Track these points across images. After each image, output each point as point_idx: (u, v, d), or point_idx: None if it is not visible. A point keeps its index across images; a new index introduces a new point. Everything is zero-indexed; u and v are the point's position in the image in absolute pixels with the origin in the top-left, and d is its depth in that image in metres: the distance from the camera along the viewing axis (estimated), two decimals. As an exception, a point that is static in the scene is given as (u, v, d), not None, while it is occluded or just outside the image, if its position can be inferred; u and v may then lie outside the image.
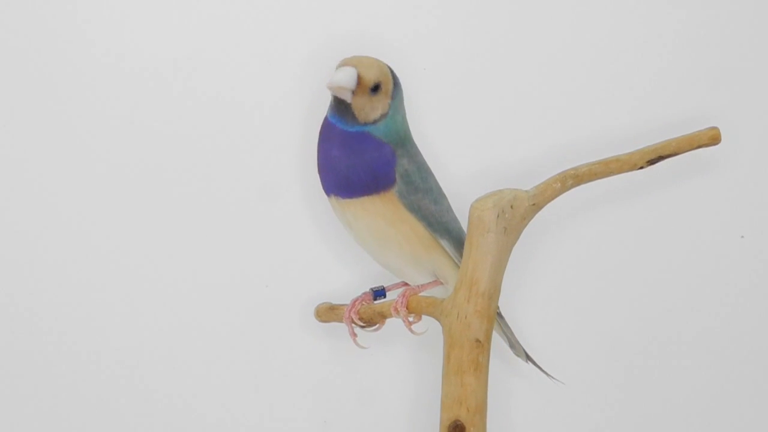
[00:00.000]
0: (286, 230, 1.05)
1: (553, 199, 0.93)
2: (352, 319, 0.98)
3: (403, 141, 0.95)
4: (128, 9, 1.02)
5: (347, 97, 0.92)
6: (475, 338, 0.90)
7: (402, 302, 0.96)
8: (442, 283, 0.98)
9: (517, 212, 0.91)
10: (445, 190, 0.97)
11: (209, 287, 1.04)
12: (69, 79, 1.02)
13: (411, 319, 0.97)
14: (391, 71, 0.94)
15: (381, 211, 0.93)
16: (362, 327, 0.98)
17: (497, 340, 1.00)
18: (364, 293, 0.99)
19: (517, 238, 0.92)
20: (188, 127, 1.03)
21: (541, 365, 1.02)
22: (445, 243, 0.96)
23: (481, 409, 0.91)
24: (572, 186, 0.93)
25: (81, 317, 1.03)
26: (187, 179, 1.04)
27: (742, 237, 1.07)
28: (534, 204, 0.92)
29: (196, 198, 1.04)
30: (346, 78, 0.91)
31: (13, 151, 1.02)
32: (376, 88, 0.92)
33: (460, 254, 0.94)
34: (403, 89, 0.95)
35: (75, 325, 1.03)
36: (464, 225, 0.94)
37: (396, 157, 0.94)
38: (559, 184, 0.92)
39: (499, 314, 1.00)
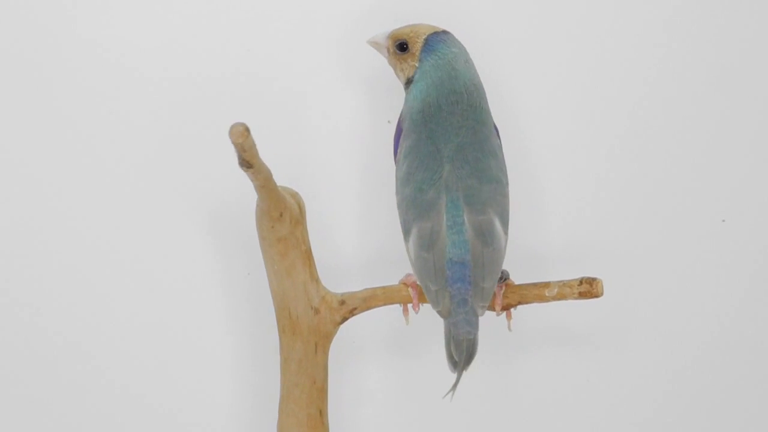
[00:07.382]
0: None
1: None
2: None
3: (416, 119, 0.86)
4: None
5: (384, 54, 0.89)
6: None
7: None
8: None
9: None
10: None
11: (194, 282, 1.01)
12: (65, 76, 0.98)
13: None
14: (432, 37, 0.87)
15: None
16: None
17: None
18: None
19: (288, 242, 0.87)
20: (185, 124, 0.99)
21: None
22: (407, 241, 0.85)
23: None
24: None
25: (75, 311, 1.00)
26: (185, 176, 1.00)
27: (723, 221, 1.02)
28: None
29: (195, 198, 1.00)
30: (380, 33, 0.89)
31: (12, 148, 0.99)
32: (402, 47, 0.87)
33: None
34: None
35: (68, 317, 1.00)
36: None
37: (400, 139, 0.87)
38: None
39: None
